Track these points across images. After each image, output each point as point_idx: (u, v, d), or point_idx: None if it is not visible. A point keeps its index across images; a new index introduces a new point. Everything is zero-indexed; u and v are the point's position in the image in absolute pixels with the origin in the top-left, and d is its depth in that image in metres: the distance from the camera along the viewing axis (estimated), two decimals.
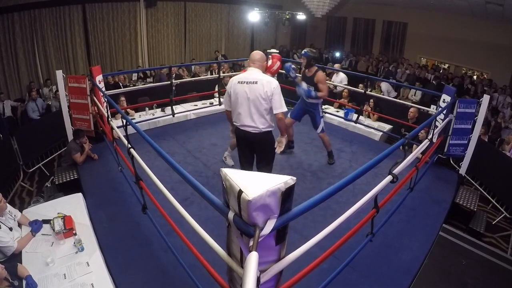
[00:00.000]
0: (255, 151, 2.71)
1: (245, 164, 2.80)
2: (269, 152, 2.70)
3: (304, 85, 3.53)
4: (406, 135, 2.10)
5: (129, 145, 2.40)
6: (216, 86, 5.68)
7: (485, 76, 8.62)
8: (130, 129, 2.54)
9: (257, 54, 2.57)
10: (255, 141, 2.60)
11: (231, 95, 2.55)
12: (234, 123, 2.63)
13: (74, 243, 2.31)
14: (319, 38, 12.17)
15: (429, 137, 3.25)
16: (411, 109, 4.77)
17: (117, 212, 2.87)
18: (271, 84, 2.43)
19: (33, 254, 2.26)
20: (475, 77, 8.87)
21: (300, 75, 3.80)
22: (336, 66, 6.69)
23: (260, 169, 2.73)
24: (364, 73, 7.22)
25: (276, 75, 3.75)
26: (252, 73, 2.49)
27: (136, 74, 8.29)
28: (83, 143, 3.62)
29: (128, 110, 5.07)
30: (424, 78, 8.51)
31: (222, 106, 5.44)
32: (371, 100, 5.55)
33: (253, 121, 2.49)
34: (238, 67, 9.41)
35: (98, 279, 2.07)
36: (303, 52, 3.62)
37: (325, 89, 3.52)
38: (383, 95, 7.07)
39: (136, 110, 5.27)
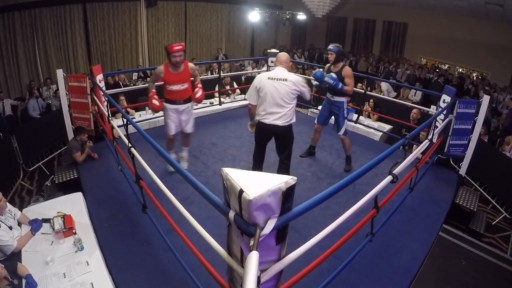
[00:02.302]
0: (279, 143, 2.95)
1: (258, 160, 3.07)
2: (291, 144, 2.99)
3: (332, 74, 3.37)
4: (406, 135, 2.10)
5: (130, 145, 2.40)
6: (217, 86, 5.68)
7: (485, 76, 8.63)
8: (131, 129, 2.55)
9: (283, 55, 2.84)
10: (281, 134, 2.83)
11: (259, 90, 2.74)
12: (260, 118, 2.78)
13: (73, 242, 2.31)
14: (320, 38, 12.17)
15: (429, 137, 3.25)
16: (414, 110, 4.77)
17: (117, 212, 2.87)
18: (299, 82, 2.72)
19: (32, 253, 2.26)
20: (474, 75, 8.88)
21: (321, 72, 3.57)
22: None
23: (283, 160, 3.01)
24: (364, 73, 7.22)
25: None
26: (281, 72, 2.74)
27: (136, 73, 8.29)
28: (83, 140, 3.62)
29: (128, 109, 5.07)
30: (424, 78, 8.52)
31: (222, 106, 5.49)
32: (371, 100, 5.55)
33: (281, 115, 2.71)
34: (238, 67, 9.40)
35: (98, 279, 2.07)
36: (331, 47, 3.42)
37: (351, 84, 3.40)
38: (383, 95, 7.08)
39: (136, 110, 5.27)
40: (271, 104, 2.69)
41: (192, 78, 3.27)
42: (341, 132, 3.59)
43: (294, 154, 4.05)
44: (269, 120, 2.74)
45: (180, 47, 2.98)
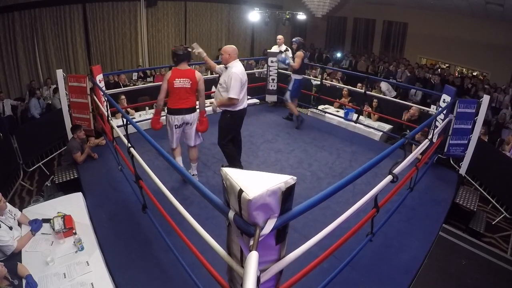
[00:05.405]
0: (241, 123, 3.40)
1: (237, 148, 3.47)
2: None
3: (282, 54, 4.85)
4: (406, 135, 2.10)
5: (129, 144, 2.40)
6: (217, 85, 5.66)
7: (485, 75, 8.63)
8: (130, 129, 2.55)
9: (234, 48, 3.11)
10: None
11: (244, 84, 3.08)
12: (242, 107, 3.18)
13: (74, 242, 2.32)
14: (320, 38, 12.17)
15: (429, 137, 3.25)
16: (413, 107, 4.79)
17: (117, 212, 2.87)
18: None
19: (33, 253, 2.26)
20: (475, 73, 8.88)
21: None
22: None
23: (239, 137, 3.53)
24: (364, 73, 7.20)
25: None
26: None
27: (136, 73, 8.29)
28: (81, 138, 3.62)
29: (128, 109, 5.07)
30: (424, 78, 8.51)
31: None
32: (375, 100, 5.53)
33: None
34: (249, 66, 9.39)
35: (98, 279, 2.07)
36: (294, 39, 4.63)
37: (297, 62, 4.56)
38: (384, 95, 7.06)
39: (136, 110, 5.27)
40: (245, 92, 3.15)
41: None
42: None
43: (294, 154, 4.10)
44: (245, 104, 3.20)
45: None
